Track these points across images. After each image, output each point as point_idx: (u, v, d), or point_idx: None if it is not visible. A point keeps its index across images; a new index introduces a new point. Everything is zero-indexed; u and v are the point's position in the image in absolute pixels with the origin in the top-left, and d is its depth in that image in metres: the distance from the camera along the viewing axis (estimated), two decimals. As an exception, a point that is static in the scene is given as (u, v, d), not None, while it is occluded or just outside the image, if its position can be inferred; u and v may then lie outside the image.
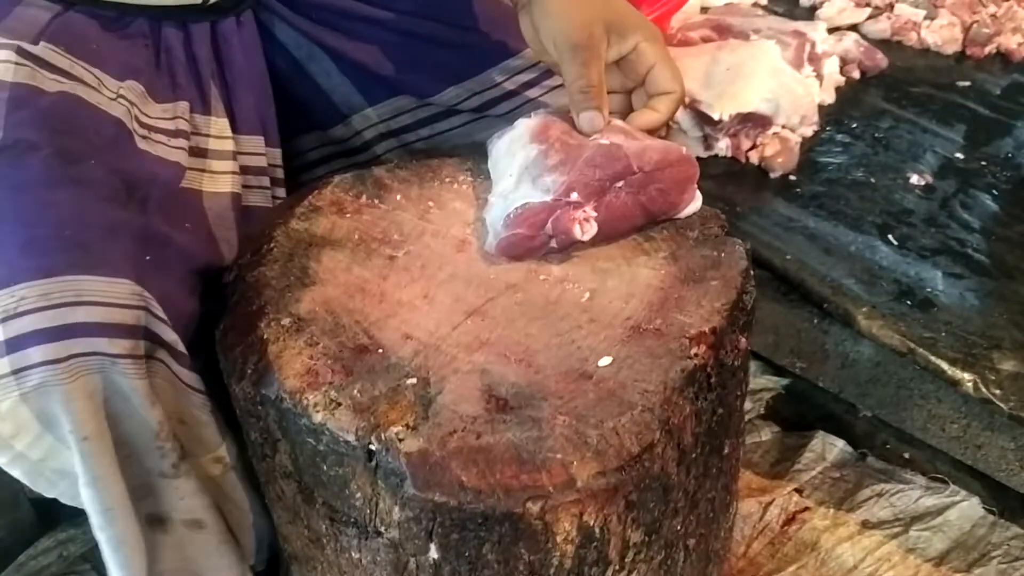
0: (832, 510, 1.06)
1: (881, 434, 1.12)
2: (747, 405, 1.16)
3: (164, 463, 0.66)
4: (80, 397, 0.59)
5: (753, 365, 1.19)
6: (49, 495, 0.66)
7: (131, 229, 0.63)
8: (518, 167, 0.72)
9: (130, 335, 0.60)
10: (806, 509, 1.07)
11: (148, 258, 0.63)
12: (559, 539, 0.58)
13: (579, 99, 0.71)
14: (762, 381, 1.21)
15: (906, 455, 1.10)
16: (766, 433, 1.16)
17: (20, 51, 0.67)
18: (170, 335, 0.63)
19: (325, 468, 0.61)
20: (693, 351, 0.64)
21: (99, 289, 0.59)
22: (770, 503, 1.07)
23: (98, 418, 0.61)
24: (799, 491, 1.08)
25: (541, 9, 0.74)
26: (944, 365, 0.97)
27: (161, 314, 0.62)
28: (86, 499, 0.63)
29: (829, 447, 1.12)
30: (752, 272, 0.72)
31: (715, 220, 0.76)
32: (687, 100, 1.21)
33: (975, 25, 1.42)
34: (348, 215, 0.76)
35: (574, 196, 0.69)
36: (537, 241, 0.71)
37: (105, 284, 0.59)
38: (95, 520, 0.64)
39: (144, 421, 0.63)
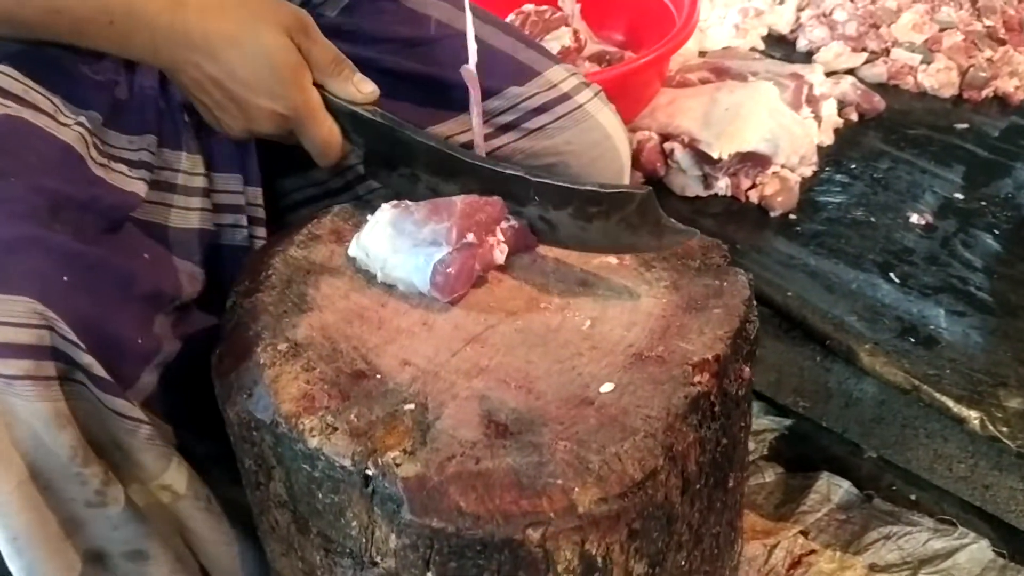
0: (839, 553, 1.03)
1: (887, 476, 1.10)
2: (750, 446, 1.14)
3: (86, 491, 0.63)
4: None
5: (756, 406, 1.17)
6: None
7: (46, 247, 0.61)
8: (385, 227, 0.70)
9: (28, 355, 0.58)
10: (812, 552, 1.04)
11: (65, 278, 0.61)
12: (560, 568, 0.56)
13: None
14: (765, 422, 1.19)
15: (913, 497, 1.08)
16: (770, 474, 1.13)
17: None
18: (84, 358, 0.60)
19: (320, 496, 0.60)
20: (696, 378, 0.63)
21: None
22: (775, 546, 1.04)
23: None
24: (804, 533, 1.06)
25: None
26: (949, 402, 0.96)
27: (72, 336, 0.59)
28: None
29: (834, 488, 1.10)
30: (755, 302, 0.71)
31: (717, 250, 0.76)
32: (686, 139, 1.21)
33: (972, 69, 1.43)
34: (347, 243, 0.75)
35: (471, 237, 0.69)
36: (470, 281, 0.71)
37: None
38: (4, 550, 0.61)
39: (53, 446, 0.60)
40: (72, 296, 0.61)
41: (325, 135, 0.74)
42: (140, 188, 0.73)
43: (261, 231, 0.82)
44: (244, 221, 0.80)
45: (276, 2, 0.71)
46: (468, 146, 0.88)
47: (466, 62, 0.82)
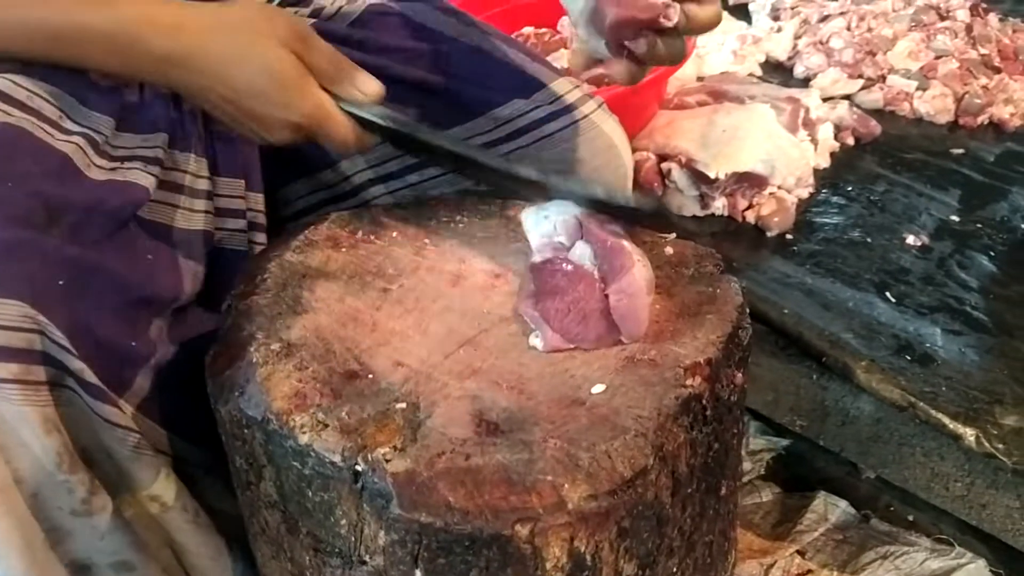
0: (836, 573, 1.03)
1: (884, 496, 1.10)
2: (747, 466, 1.14)
3: (72, 499, 0.63)
4: None
5: (753, 426, 1.17)
6: None
7: (40, 251, 0.61)
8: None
9: (18, 359, 0.58)
10: (809, 572, 1.03)
11: (60, 283, 0.61)
12: (549, 565, 0.56)
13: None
14: (761, 442, 1.18)
15: (910, 517, 1.07)
16: (767, 494, 1.13)
17: None
18: (75, 364, 0.60)
19: (310, 494, 0.60)
20: (688, 381, 0.63)
21: None
22: (772, 565, 1.03)
23: None
24: (801, 553, 1.05)
25: None
26: (945, 419, 0.95)
27: (64, 341, 0.60)
28: None
29: (831, 508, 1.09)
30: (747, 309, 0.71)
31: (710, 259, 0.76)
32: (684, 159, 1.22)
33: (967, 96, 1.44)
34: (343, 249, 0.76)
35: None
36: None
37: None
38: None
39: (39, 452, 0.60)
40: (66, 301, 0.61)
41: (343, 134, 0.73)
42: (150, 183, 0.73)
43: (261, 236, 0.82)
44: (244, 226, 0.80)
45: (271, 15, 0.71)
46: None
47: (473, 73, 0.85)
